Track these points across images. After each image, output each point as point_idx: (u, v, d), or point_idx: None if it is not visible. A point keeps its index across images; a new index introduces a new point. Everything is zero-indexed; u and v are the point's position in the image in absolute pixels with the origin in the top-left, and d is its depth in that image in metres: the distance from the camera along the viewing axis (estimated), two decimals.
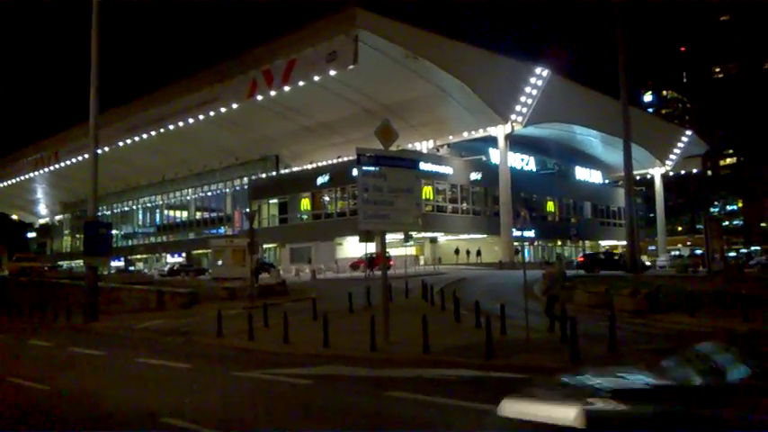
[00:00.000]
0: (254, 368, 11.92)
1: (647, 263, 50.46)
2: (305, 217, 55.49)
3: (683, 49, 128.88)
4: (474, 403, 7.94)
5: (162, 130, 55.86)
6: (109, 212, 77.55)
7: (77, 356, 15.19)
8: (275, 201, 57.96)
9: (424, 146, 53.93)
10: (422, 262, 50.79)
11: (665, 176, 69.94)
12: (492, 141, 50.94)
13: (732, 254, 74.10)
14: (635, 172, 50.42)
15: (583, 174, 67.94)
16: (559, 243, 64.06)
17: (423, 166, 42.63)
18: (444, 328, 15.37)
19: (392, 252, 31.41)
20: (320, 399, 9.45)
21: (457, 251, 50.51)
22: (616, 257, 42.98)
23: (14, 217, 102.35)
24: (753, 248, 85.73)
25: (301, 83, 43.21)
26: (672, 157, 68.17)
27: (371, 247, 34.13)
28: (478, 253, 51.40)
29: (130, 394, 10.10)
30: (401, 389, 9.46)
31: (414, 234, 38.94)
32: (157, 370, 12.62)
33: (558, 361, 11.40)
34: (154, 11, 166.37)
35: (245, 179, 62.25)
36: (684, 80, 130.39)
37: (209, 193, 68.18)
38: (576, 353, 11.13)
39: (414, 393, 9.07)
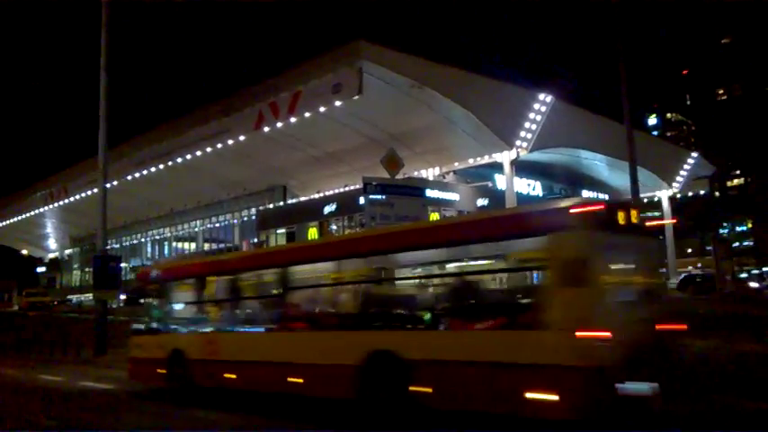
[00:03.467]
0: None
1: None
2: None
3: (685, 72, 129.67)
4: None
5: (170, 164, 56.25)
6: (118, 245, 77.75)
7: (87, 391, 15.15)
8: (283, 230, 57.78)
9: (429, 173, 53.93)
10: None
11: (672, 199, 69.61)
12: (498, 167, 50.84)
13: (744, 275, 73.32)
14: (642, 195, 50.33)
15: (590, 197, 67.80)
16: None
17: (429, 193, 42.79)
18: None
19: None
20: None
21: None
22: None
23: (24, 252, 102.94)
24: (765, 269, 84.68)
25: (307, 114, 43.52)
26: (679, 179, 67.91)
27: None
28: None
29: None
30: None
31: None
32: None
33: None
34: (161, 47, 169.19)
35: (253, 210, 62.41)
36: (688, 102, 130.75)
37: (217, 225, 68.34)
38: None
39: None
